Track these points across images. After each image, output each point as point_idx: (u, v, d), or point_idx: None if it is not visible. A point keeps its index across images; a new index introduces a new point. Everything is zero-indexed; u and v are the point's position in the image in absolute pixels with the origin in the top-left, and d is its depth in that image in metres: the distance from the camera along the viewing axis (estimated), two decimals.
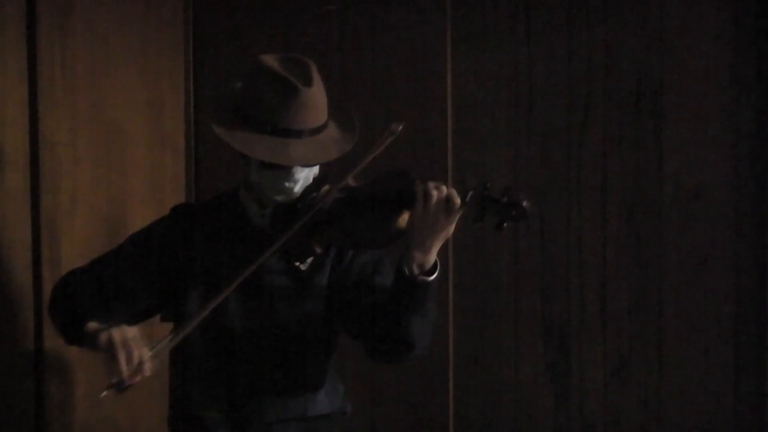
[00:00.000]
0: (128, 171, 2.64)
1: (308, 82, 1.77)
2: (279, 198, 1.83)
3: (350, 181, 1.83)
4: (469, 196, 1.68)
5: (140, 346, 1.64)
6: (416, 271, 1.71)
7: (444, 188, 1.69)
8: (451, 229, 1.71)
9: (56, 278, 2.29)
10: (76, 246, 2.39)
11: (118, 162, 2.59)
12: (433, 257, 1.72)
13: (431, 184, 1.70)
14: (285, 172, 1.80)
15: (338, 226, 1.78)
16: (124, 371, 1.63)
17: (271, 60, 1.81)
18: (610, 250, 2.75)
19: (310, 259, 1.88)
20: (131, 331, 1.66)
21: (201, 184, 2.98)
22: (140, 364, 1.64)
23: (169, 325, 1.96)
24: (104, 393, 1.65)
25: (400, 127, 1.84)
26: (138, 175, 2.69)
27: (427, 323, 1.78)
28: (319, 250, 1.80)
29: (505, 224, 1.66)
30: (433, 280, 1.72)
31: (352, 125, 1.89)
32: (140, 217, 2.60)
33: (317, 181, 1.85)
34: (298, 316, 1.90)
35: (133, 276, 1.86)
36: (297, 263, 1.88)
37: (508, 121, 2.82)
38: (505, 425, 2.85)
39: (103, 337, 1.65)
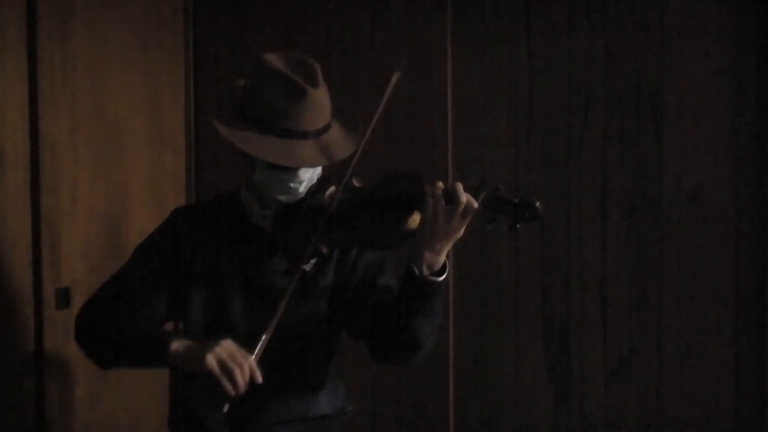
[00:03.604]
0: (128, 171, 2.64)
1: (315, 83, 1.77)
2: (283, 198, 1.83)
3: (355, 182, 1.83)
4: (481, 198, 1.67)
5: (246, 357, 1.67)
6: (426, 271, 1.71)
7: (461, 192, 1.68)
8: (462, 231, 1.70)
9: (56, 278, 2.30)
10: (76, 246, 2.39)
11: (118, 162, 2.59)
12: (442, 258, 1.72)
13: (445, 187, 1.69)
14: (290, 172, 1.79)
15: (346, 227, 1.78)
16: (241, 386, 1.66)
17: (276, 60, 1.80)
18: (610, 250, 2.75)
19: (313, 260, 1.88)
20: (232, 345, 1.68)
21: (201, 184, 2.98)
22: (252, 373, 1.66)
23: (168, 324, 1.96)
24: (226, 407, 1.68)
25: (402, 63, 1.87)
26: (138, 175, 2.69)
27: (434, 324, 1.78)
28: (325, 251, 1.80)
29: (518, 225, 1.66)
30: (442, 281, 1.72)
31: (355, 125, 1.89)
32: (140, 217, 2.61)
33: (321, 181, 1.84)
34: (301, 316, 1.89)
35: (149, 287, 1.86)
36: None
37: (508, 121, 2.82)
38: (505, 425, 2.85)
39: (210, 360, 1.65)
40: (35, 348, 2.27)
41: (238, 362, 1.66)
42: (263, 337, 1.72)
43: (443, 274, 1.73)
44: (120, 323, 1.79)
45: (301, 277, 1.88)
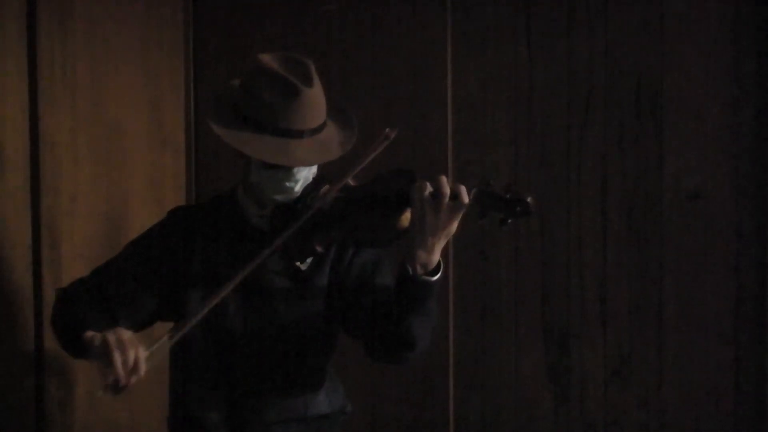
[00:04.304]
0: (128, 171, 2.64)
1: (309, 82, 1.78)
2: (279, 198, 1.83)
3: (349, 180, 1.83)
4: (472, 193, 1.67)
5: (136, 346, 1.63)
6: (420, 271, 1.71)
7: (447, 186, 1.68)
8: (454, 227, 1.70)
9: (56, 278, 2.30)
10: (76, 246, 2.39)
11: (118, 162, 2.59)
12: (436, 257, 1.71)
13: (432, 182, 1.69)
14: (286, 172, 1.80)
15: (340, 226, 1.78)
16: (119, 371, 1.61)
17: (270, 60, 1.81)
18: (610, 250, 2.75)
19: (309, 259, 1.88)
20: (126, 333, 1.65)
21: (201, 184, 2.98)
22: (136, 364, 1.62)
23: (168, 324, 1.96)
24: (100, 393, 1.64)
25: (394, 133, 1.84)
26: (138, 175, 2.69)
27: (429, 323, 1.78)
28: (320, 250, 1.80)
29: (509, 221, 1.66)
30: (436, 281, 1.72)
31: (351, 124, 1.89)
32: (140, 217, 2.61)
33: (316, 181, 1.85)
34: (298, 316, 1.90)
35: (135, 282, 1.86)
36: (297, 263, 1.87)
37: (508, 121, 2.82)
38: (505, 425, 2.85)
39: (96, 339, 1.65)
40: (35, 348, 2.27)
41: (122, 348, 1.61)
42: (164, 338, 1.69)
43: (437, 274, 1.73)
44: (84, 314, 1.79)
45: (297, 277, 1.89)
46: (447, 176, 1.70)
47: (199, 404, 1.92)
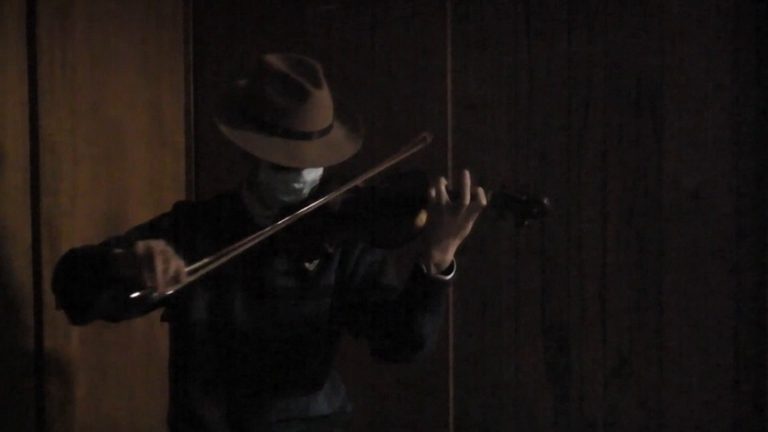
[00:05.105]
0: (128, 171, 2.64)
1: (318, 83, 1.78)
2: (287, 199, 1.83)
3: (359, 182, 1.83)
4: (489, 195, 1.68)
5: (177, 259, 1.57)
6: (434, 270, 1.71)
7: (466, 189, 1.68)
8: (469, 228, 1.71)
9: None
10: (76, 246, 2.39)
11: (118, 162, 2.59)
12: (450, 256, 1.72)
13: (446, 182, 1.69)
14: (295, 173, 1.80)
15: (353, 227, 1.79)
16: (159, 278, 1.54)
17: (277, 61, 1.80)
18: (610, 250, 2.75)
19: (317, 260, 1.88)
20: (165, 245, 1.59)
21: (201, 184, 2.98)
22: (177, 274, 1.56)
23: (167, 326, 1.96)
24: (135, 294, 1.56)
25: (431, 138, 1.82)
26: (138, 175, 2.69)
27: (437, 323, 1.79)
28: (330, 251, 1.80)
29: (526, 222, 1.67)
30: (449, 280, 1.73)
31: (358, 125, 1.89)
32: (140, 217, 2.60)
33: (323, 183, 1.85)
34: (303, 316, 1.89)
35: None
36: (305, 264, 1.88)
37: (508, 121, 2.82)
38: (505, 425, 2.85)
39: (140, 246, 1.56)
40: (35, 348, 2.27)
41: (165, 257, 1.55)
42: (205, 260, 1.62)
43: (450, 273, 1.73)
44: (96, 249, 1.74)
45: (304, 278, 1.89)
46: (447, 176, 1.70)
47: (200, 403, 1.92)
